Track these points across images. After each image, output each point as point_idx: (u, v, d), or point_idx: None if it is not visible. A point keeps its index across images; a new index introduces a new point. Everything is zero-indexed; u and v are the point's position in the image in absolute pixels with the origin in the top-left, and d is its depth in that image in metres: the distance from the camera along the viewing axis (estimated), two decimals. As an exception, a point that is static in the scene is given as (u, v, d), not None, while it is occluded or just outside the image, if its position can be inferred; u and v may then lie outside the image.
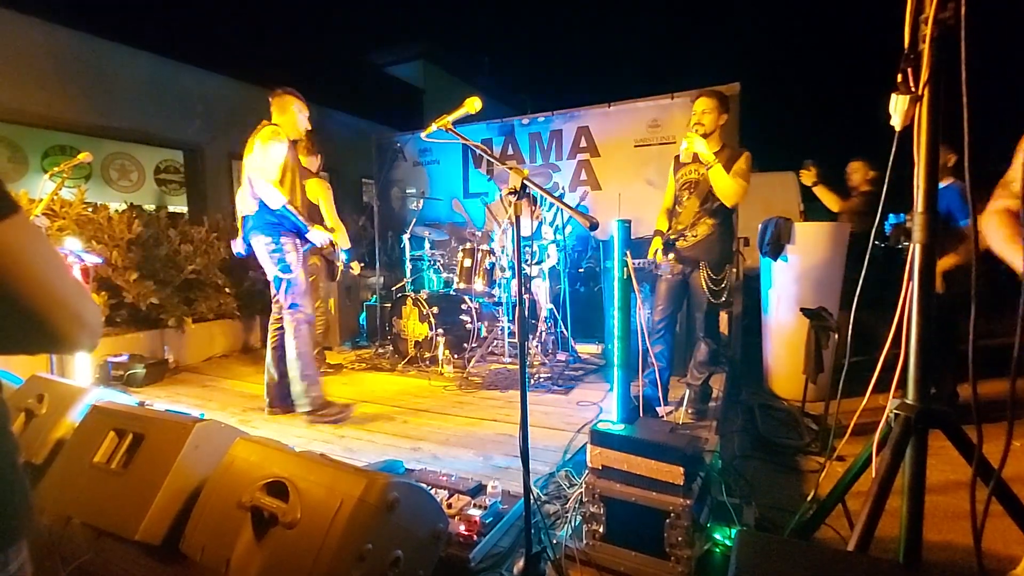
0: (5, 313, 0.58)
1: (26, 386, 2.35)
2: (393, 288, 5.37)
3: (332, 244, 3.51)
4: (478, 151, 1.76)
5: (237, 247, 3.23)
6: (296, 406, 3.09)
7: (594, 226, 1.46)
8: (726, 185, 2.73)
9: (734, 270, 4.27)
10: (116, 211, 4.54)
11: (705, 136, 2.80)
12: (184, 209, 6.76)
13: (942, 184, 3.00)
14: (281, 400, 3.18)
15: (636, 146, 5.23)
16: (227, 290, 4.91)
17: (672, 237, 2.94)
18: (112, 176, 7.11)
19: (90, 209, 4.35)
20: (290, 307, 3.04)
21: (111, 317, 4.24)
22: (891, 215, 3.17)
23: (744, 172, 2.74)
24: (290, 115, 3.07)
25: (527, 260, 4.29)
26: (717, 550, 1.67)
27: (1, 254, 0.56)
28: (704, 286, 2.83)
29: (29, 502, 0.70)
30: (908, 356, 1.45)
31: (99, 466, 1.79)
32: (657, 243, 2.96)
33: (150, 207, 6.48)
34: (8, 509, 0.67)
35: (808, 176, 4.20)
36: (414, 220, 4.94)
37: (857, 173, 4.14)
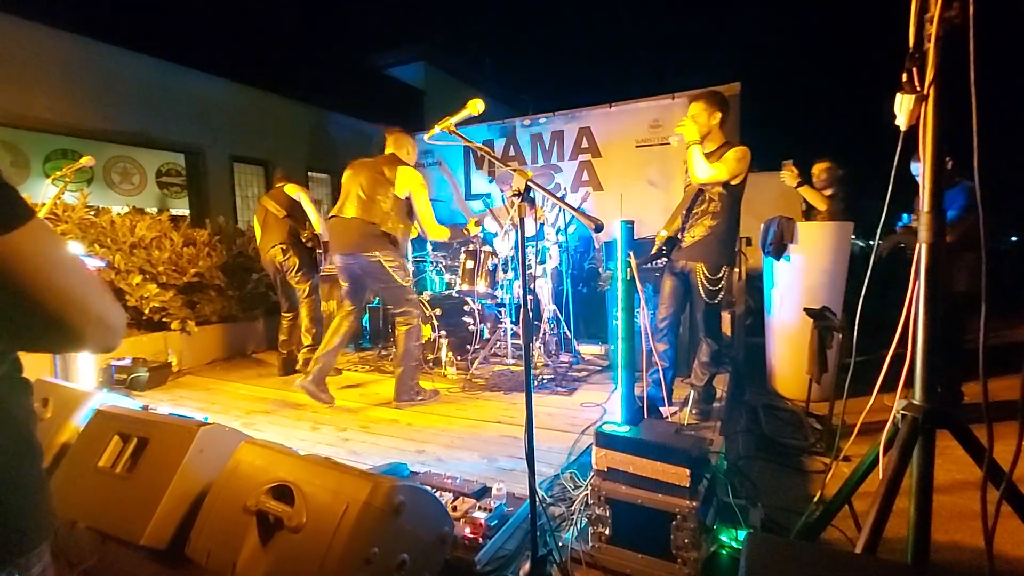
0: (27, 317, 0.59)
1: (30, 390, 2.35)
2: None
3: (315, 236, 4.06)
4: (480, 152, 1.76)
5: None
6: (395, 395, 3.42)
7: (599, 227, 1.46)
8: (696, 164, 2.78)
9: (737, 271, 4.28)
10: (118, 214, 4.54)
11: (702, 137, 2.84)
12: (186, 212, 6.78)
13: None
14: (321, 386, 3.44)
15: (638, 146, 5.22)
16: (230, 293, 4.92)
17: (662, 239, 3.00)
18: (114, 179, 7.13)
19: (92, 213, 4.36)
20: (402, 313, 3.37)
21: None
22: (904, 215, 3.16)
23: (728, 160, 2.74)
24: (405, 151, 3.42)
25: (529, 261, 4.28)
26: (723, 552, 1.67)
27: (19, 261, 0.56)
28: (700, 287, 2.84)
29: (51, 506, 0.71)
30: (915, 356, 1.44)
31: (104, 470, 1.79)
32: (659, 240, 3.03)
33: (152, 210, 6.49)
34: (32, 514, 0.68)
35: (791, 177, 4.06)
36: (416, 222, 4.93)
37: (825, 174, 4.14)
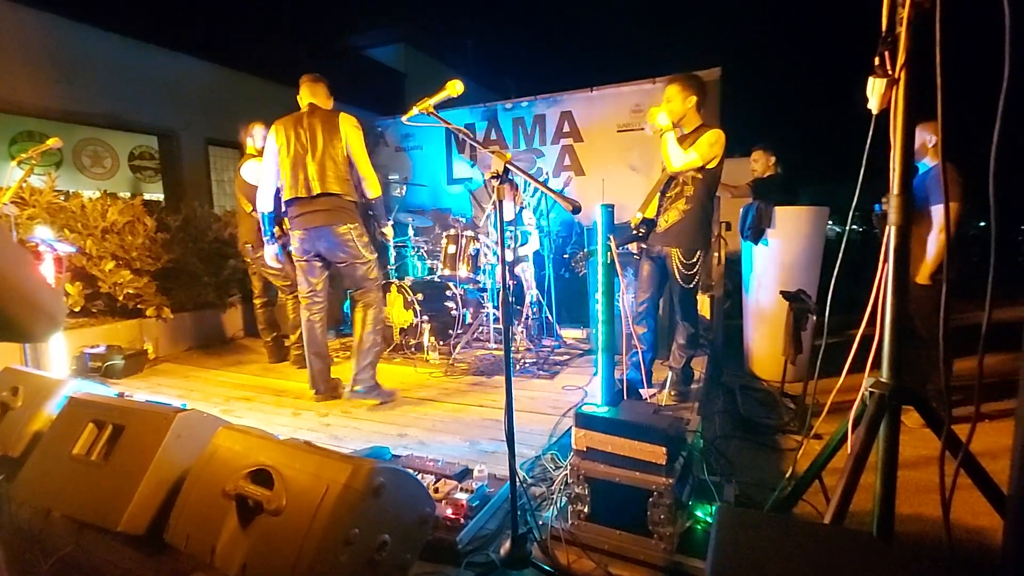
0: None
1: (-1, 379, 2.30)
2: (377, 275, 5.31)
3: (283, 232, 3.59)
4: (460, 135, 1.74)
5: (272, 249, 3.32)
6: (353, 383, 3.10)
7: (576, 209, 1.47)
8: (672, 153, 2.80)
9: (716, 255, 4.33)
10: (89, 199, 4.41)
11: (677, 120, 2.86)
12: (160, 196, 6.61)
13: (930, 163, 2.94)
14: (328, 386, 3.24)
15: (619, 131, 5.22)
16: (206, 279, 4.83)
17: (637, 221, 3.04)
18: (84, 163, 6.91)
19: (62, 197, 4.23)
20: (361, 292, 3.13)
21: (87, 307, 4.15)
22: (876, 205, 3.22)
23: (701, 145, 2.76)
24: (320, 96, 3.09)
25: (508, 244, 4.27)
26: (699, 527, 1.71)
27: None
28: (676, 271, 2.87)
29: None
30: (883, 336, 1.48)
31: (79, 458, 1.76)
32: (634, 222, 3.07)
33: (125, 195, 6.32)
34: None
35: None
36: (397, 207, 4.89)
37: (759, 162, 4.22)
